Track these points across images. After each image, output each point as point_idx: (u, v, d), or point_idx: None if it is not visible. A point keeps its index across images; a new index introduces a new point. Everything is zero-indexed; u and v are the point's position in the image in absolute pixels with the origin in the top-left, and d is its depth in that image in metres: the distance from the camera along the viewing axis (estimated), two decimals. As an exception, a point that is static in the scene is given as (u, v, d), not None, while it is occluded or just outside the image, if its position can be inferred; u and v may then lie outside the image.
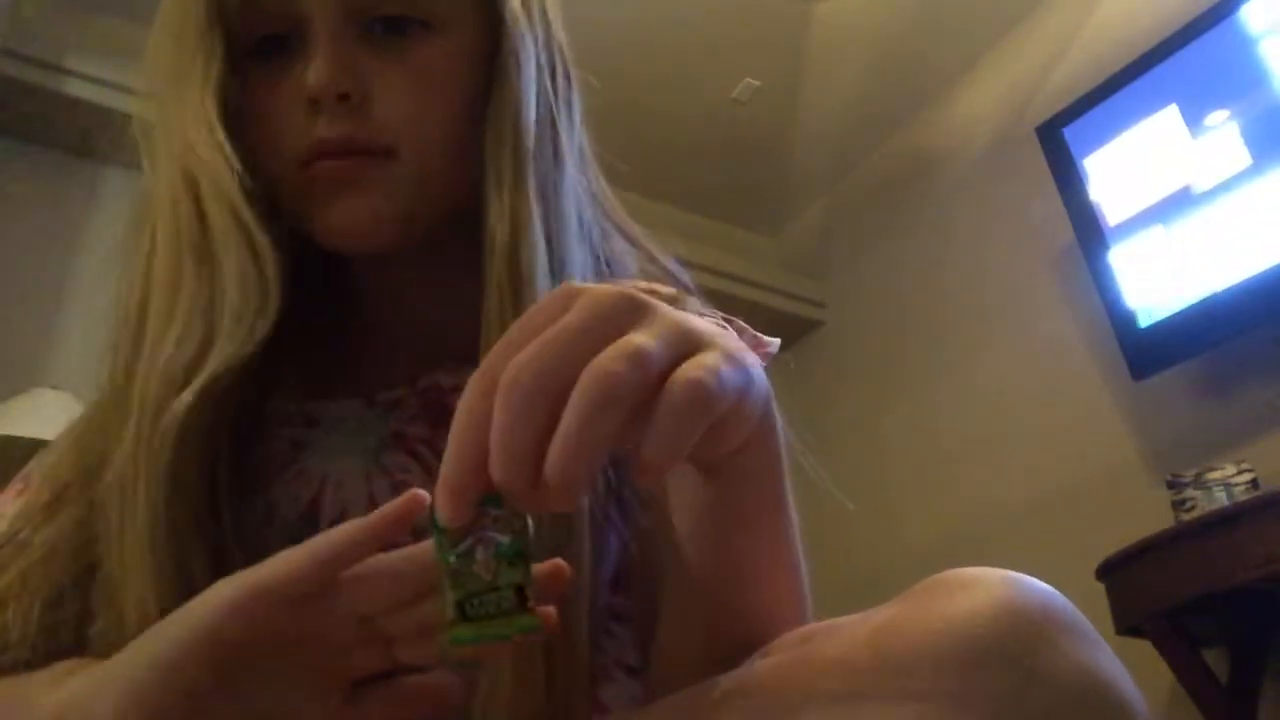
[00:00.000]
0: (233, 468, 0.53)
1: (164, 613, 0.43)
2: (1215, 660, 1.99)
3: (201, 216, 0.54)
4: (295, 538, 0.52)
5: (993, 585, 0.37)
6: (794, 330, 3.56)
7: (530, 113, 0.57)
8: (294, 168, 0.56)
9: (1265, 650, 2.04)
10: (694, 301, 0.64)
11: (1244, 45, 2.19)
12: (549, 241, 0.55)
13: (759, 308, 3.41)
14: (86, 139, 2.61)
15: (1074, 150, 2.51)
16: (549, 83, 0.60)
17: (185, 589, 0.46)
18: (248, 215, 0.53)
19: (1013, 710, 0.34)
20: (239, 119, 0.56)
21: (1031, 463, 2.64)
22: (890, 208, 3.31)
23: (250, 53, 0.57)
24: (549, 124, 0.59)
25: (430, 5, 0.57)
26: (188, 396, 0.50)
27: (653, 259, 0.68)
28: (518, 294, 0.52)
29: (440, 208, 0.58)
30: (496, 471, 0.34)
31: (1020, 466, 2.67)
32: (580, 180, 0.62)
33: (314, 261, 0.60)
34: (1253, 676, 2.00)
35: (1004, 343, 2.81)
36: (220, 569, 0.48)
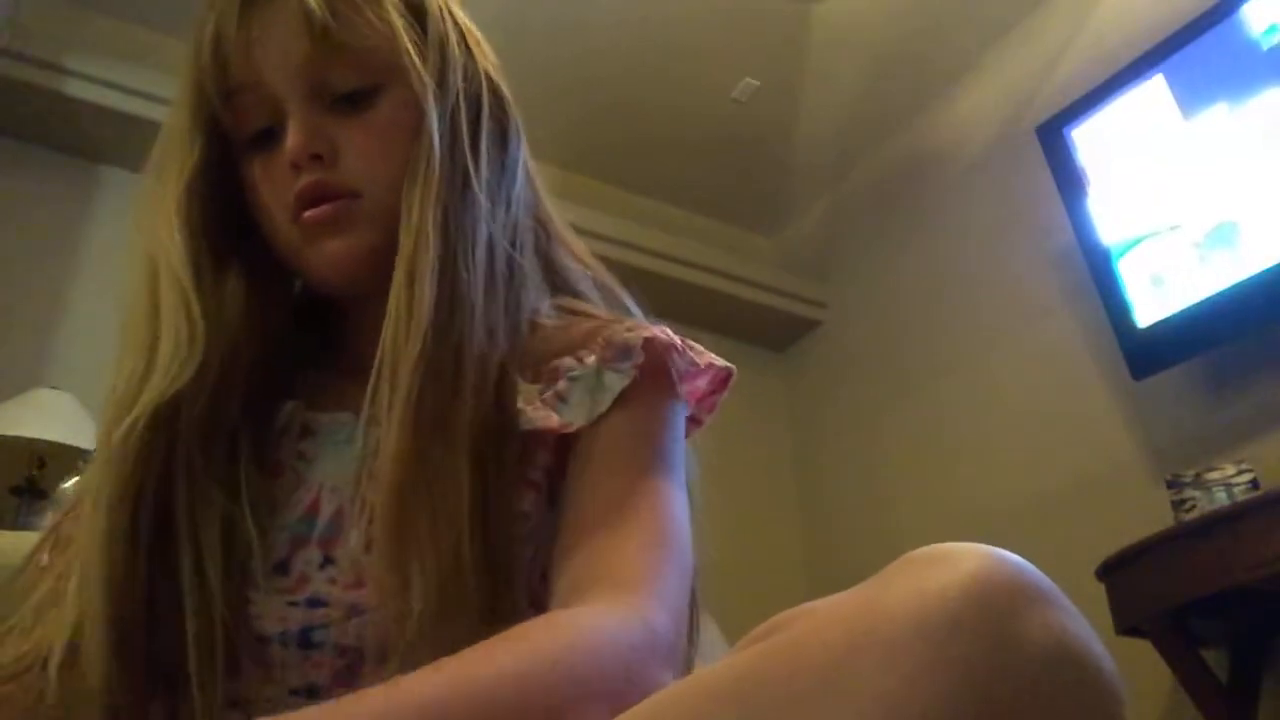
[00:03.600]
0: (252, 458, 0.65)
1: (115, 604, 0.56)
2: (1215, 660, 1.99)
3: (154, 288, 0.66)
4: (297, 536, 0.64)
5: (965, 558, 0.39)
6: (794, 330, 3.56)
7: (436, 156, 0.67)
8: (287, 224, 0.68)
9: (1265, 650, 2.04)
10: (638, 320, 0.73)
11: (1245, 44, 2.19)
12: (444, 252, 0.65)
13: (759, 308, 3.41)
14: (86, 139, 2.61)
15: (1074, 150, 2.51)
16: (464, 129, 0.70)
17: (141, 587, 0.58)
18: (189, 287, 0.65)
19: (989, 677, 0.35)
20: (228, 199, 0.69)
21: (1031, 463, 2.64)
22: (890, 208, 3.31)
23: (248, 147, 0.70)
24: (460, 165, 0.69)
25: (373, 74, 0.69)
26: (129, 420, 0.61)
27: (603, 279, 0.80)
28: (411, 298, 0.63)
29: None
30: None
31: (1020, 466, 2.67)
32: (503, 210, 0.71)
33: (313, 304, 0.76)
34: (1253, 676, 2.01)
35: (1004, 343, 2.81)
36: (232, 538, 0.61)
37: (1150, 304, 2.29)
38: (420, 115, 0.68)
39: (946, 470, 2.90)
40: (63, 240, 2.55)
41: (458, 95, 0.70)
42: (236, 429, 0.65)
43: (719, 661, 0.42)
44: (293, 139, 0.66)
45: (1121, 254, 2.37)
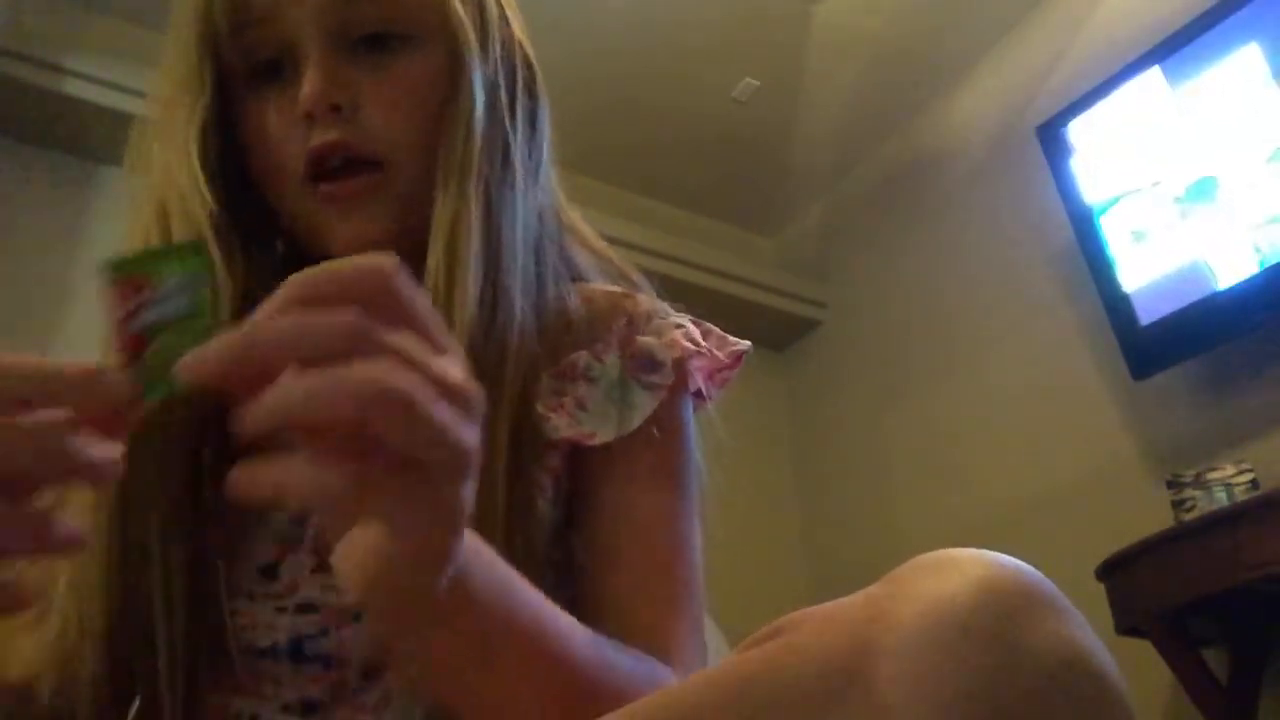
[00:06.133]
0: (225, 457, 0.57)
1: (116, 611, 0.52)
2: (1215, 660, 1.99)
3: (168, 240, 0.59)
4: (285, 538, 0.61)
5: (971, 565, 0.38)
6: (794, 330, 3.56)
7: (478, 123, 0.62)
8: (296, 185, 0.61)
9: (1265, 650, 2.04)
10: (652, 300, 0.70)
11: (1245, 42, 2.19)
12: (486, 235, 0.60)
13: (759, 308, 3.41)
14: (86, 139, 2.61)
15: (1074, 150, 2.51)
16: (503, 97, 0.65)
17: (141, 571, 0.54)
18: (210, 239, 0.58)
19: (996, 685, 0.35)
20: (234, 145, 0.62)
21: (1031, 462, 2.64)
22: (890, 208, 3.31)
23: (248, 81, 0.62)
24: (500, 136, 0.63)
25: (407, 21, 0.62)
26: None
27: (615, 265, 0.77)
28: (452, 287, 0.57)
29: (426, 213, 0.62)
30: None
31: (1020, 466, 2.67)
32: (535, 190, 0.67)
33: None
34: (1253, 676, 2.00)
35: (1004, 342, 2.81)
36: (200, 554, 0.56)
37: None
38: (451, 79, 0.62)
39: (946, 470, 2.90)
40: (63, 240, 2.55)
41: (496, 62, 0.65)
42: (207, 419, 0.58)
43: (721, 662, 0.42)
44: (309, 85, 0.59)
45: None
